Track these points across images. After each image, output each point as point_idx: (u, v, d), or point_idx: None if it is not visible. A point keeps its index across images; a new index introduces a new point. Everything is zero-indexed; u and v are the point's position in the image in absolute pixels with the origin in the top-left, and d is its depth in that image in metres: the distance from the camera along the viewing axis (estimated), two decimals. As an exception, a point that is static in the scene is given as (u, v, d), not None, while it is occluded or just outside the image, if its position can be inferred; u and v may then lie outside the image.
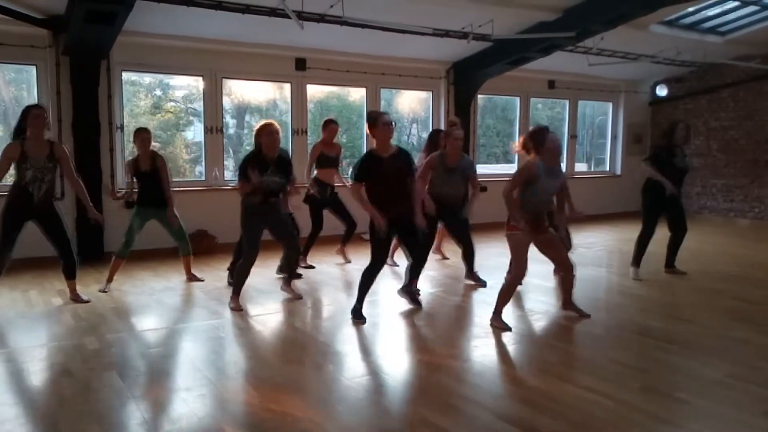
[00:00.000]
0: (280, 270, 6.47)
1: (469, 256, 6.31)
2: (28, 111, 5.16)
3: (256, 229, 5.43)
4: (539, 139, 4.74)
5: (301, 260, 6.75)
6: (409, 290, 5.50)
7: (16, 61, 7.23)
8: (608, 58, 9.77)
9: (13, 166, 5.17)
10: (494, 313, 4.87)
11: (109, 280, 6.03)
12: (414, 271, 5.48)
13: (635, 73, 11.47)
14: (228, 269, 6.36)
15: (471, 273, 6.36)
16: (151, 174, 6.00)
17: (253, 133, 5.48)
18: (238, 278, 5.50)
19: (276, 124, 5.43)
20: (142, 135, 6.03)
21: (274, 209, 5.45)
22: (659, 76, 11.93)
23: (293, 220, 6.11)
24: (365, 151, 5.00)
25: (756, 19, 9.70)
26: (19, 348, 4.38)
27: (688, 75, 11.87)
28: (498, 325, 4.80)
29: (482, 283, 6.26)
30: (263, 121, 5.48)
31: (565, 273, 5.16)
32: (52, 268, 6.55)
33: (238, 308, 5.35)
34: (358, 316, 5.02)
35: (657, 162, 6.35)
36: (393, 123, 4.98)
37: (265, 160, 5.31)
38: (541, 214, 4.88)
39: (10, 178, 5.35)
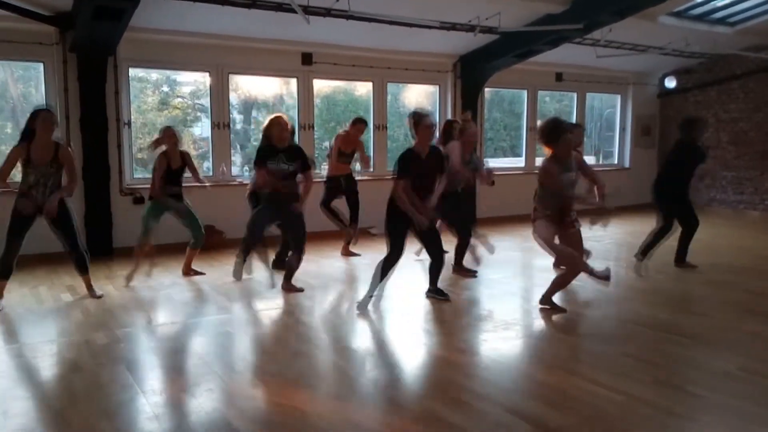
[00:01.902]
0: (276, 266, 6.39)
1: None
2: (37, 114, 5.15)
3: (262, 222, 5.58)
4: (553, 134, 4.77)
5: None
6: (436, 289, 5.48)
7: (24, 58, 7.25)
8: (616, 50, 9.68)
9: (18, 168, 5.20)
10: (544, 296, 4.98)
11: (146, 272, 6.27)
12: (434, 271, 5.45)
13: (644, 65, 11.38)
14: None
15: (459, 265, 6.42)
16: (179, 172, 6.20)
17: (262, 128, 5.65)
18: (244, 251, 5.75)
19: (285, 116, 5.62)
20: (169, 132, 6.19)
21: (285, 207, 5.53)
22: (668, 67, 11.83)
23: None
24: (407, 149, 5.16)
25: (765, 9, 9.59)
26: (29, 343, 4.39)
27: (697, 66, 11.76)
28: (548, 305, 4.94)
29: (473, 274, 6.32)
30: (273, 115, 5.68)
31: (568, 272, 5.11)
32: (62, 264, 6.58)
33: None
34: (364, 308, 5.05)
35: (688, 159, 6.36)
36: (435, 125, 5.17)
37: (276, 150, 5.49)
38: (564, 209, 4.86)
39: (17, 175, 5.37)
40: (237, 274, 5.85)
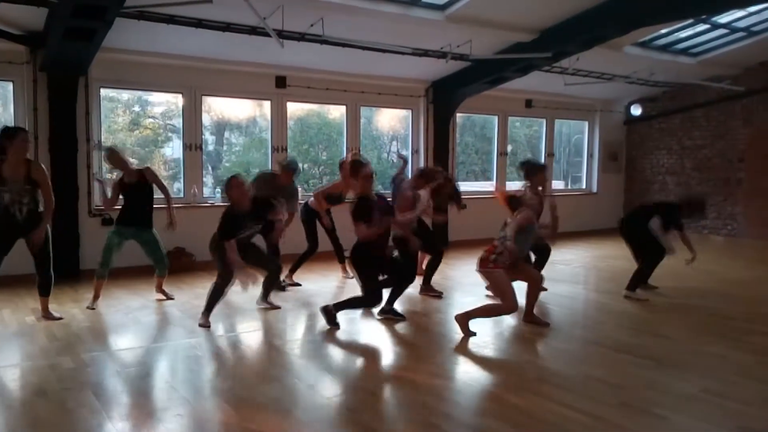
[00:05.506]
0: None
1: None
2: (15, 133, 5.05)
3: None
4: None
5: (287, 277, 6.96)
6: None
7: (-7, 76, 7.16)
8: (584, 78, 9.95)
9: None
10: (465, 314, 5.09)
11: (96, 297, 5.97)
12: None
13: (610, 93, 11.69)
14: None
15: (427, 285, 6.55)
16: (138, 187, 5.94)
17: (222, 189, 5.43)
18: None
19: (241, 176, 5.43)
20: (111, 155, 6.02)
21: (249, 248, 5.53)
22: (634, 95, 12.17)
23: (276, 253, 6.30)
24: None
25: (726, 42, 9.99)
26: (-9, 368, 4.29)
27: (661, 95, 12.13)
28: (462, 323, 5.06)
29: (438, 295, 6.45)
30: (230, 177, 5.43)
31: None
32: (26, 287, 6.44)
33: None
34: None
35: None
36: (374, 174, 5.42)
37: (240, 216, 5.23)
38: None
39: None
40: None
